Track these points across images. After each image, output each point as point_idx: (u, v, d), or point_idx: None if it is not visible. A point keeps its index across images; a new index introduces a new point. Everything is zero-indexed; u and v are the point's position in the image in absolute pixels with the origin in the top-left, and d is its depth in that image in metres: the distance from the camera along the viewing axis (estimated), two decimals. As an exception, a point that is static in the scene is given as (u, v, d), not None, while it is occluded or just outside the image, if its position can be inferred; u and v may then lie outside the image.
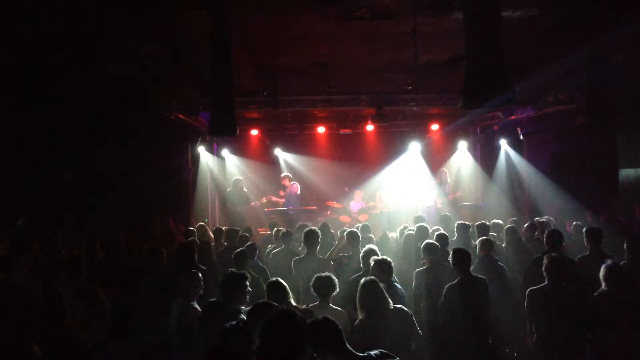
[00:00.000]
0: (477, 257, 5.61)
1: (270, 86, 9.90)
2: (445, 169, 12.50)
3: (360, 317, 3.85)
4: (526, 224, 7.13)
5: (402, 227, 7.39)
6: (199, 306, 4.33)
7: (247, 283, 4.03)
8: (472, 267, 4.94)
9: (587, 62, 8.39)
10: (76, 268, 4.68)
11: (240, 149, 13.68)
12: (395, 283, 4.63)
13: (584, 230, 5.79)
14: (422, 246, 5.35)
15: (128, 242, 7.00)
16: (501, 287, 5.18)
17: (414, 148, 12.79)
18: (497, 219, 7.92)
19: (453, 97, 9.62)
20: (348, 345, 2.81)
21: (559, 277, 4.42)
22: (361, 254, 5.10)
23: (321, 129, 13.32)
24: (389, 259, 4.68)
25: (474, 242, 6.38)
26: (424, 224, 6.74)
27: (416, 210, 11.12)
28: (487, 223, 7.11)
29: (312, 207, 11.72)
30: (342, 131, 13.63)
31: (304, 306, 4.12)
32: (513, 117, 11.98)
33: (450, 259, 4.88)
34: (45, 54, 7.08)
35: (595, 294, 4.29)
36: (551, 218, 7.84)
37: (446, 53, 8.15)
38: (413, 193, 12.05)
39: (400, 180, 12.54)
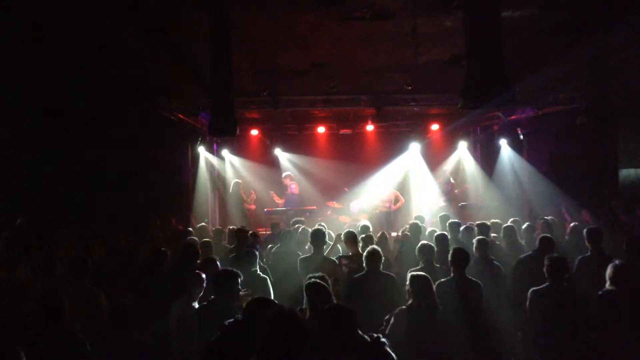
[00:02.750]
0: (473, 257, 5.60)
1: (270, 86, 9.90)
2: (447, 168, 12.50)
3: (407, 304, 3.98)
4: (525, 225, 7.12)
5: (403, 228, 7.41)
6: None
7: (239, 280, 4.07)
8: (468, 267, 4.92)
9: (587, 62, 8.38)
10: (78, 268, 4.68)
11: (240, 149, 13.67)
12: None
13: (584, 230, 5.78)
14: (417, 247, 5.36)
15: (128, 242, 6.99)
16: (497, 286, 5.18)
17: (414, 148, 12.79)
18: (496, 219, 7.92)
19: (453, 97, 9.58)
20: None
21: (560, 277, 4.41)
22: (364, 255, 5.09)
23: (321, 129, 13.31)
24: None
25: (463, 241, 6.40)
26: (417, 222, 6.75)
27: (413, 210, 11.15)
28: (488, 223, 7.11)
29: (312, 207, 11.73)
30: (342, 131, 13.62)
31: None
32: (513, 117, 11.98)
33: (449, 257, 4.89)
34: (45, 54, 7.08)
35: (600, 293, 4.28)
36: (553, 219, 7.83)
37: (446, 53, 8.15)
38: (412, 193, 12.07)
39: (400, 180, 12.55)
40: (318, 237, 5.63)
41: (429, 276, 4.10)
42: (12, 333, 3.40)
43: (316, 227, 5.95)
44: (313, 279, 3.80)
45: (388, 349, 3.01)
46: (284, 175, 12.41)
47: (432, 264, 5.21)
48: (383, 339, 3.04)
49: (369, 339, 3.00)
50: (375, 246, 5.29)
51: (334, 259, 5.65)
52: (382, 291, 4.79)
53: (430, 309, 3.94)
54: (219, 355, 3.02)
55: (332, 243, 6.28)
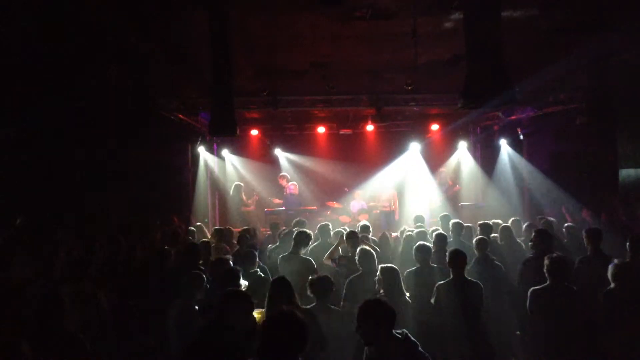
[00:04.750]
0: (473, 257, 5.60)
1: (270, 86, 9.90)
2: (443, 169, 12.49)
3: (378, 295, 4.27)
4: (526, 224, 7.12)
5: (402, 228, 7.38)
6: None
7: (240, 283, 4.19)
8: (468, 267, 4.92)
9: (587, 62, 8.38)
10: (77, 268, 4.67)
11: (240, 149, 13.68)
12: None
13: (583, 230, 5.77)
14: (414, 247, 5.36)
15: (128, 243, 6.98)
16: (497, 286, 5.17)
17: (414, 148, 12.79)
18: (497, 219, 7.91)
19: (453, 97, 9.60)
20: None
21: (561, 277, 4.41)
22: (357, 257, 5.10)
23: (321, 129, 13.32)
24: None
25: (465, 241, 6.39)
26: (422, 225, 6.72)
27: (413, 210, 11.12)
28: (490, 223, 7.09)
29: (312, 207, 11.74)
30: (342, 131, 13.63)
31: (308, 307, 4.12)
32: (513, 117, 11.98)
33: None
34: (45, 54, 7.07)
35: (605, 292, 4.27)
36: (552, 219, 7.81)
37: (446, 53, 8.15)
38: (412, 193, 12.07)
39: (400, 180, 12.56)
40: (300, 238, 5.75)
41: (396, 267, 4.46)
42: (12, 333, 3.40)
43: (300, 230, 5.99)
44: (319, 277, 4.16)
45: (420, 348, 3.10)
46: (279, 175, 12.41)
47: (428, 264, 5.21)
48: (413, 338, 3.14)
49: (399, 335, 3.09)
50: (365, 246, 5.30)
51: (306, 257, 5.66)
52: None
53: (396, 297, 4.18)
54: (199, 352, 3.01)
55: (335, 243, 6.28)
